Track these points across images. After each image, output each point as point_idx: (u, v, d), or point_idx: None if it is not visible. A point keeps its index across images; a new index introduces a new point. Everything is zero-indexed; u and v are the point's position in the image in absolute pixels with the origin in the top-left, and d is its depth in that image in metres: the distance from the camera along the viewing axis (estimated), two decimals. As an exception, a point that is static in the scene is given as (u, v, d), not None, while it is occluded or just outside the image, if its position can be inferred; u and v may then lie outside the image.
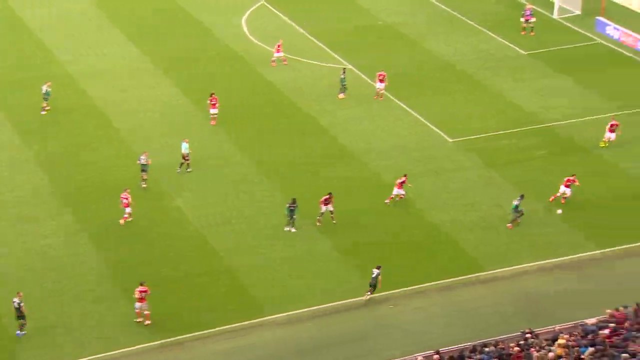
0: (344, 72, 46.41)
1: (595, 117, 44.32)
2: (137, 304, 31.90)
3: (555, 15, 54.91)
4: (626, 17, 54.51)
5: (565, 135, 42.74)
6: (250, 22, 55.27)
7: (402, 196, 37.81)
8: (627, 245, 35.48)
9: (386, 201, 37.81)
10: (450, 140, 42.64)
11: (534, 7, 54.54)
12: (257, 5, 57.53)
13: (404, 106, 45.71)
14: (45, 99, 43.92)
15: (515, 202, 36.60)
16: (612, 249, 35.32)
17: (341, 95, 46.14)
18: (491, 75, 48.63)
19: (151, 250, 35.78)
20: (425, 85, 47.68)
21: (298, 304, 33.05)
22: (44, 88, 43.83)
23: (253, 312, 32.71)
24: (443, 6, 56.68)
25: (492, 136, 42.91)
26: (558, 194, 37.63)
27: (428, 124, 44.04)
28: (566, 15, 54.80)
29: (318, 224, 36.57)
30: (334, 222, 36.58)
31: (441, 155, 41.43)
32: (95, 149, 41.98)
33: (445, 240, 36.02)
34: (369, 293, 32.92)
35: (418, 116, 44.75)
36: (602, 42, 51.99)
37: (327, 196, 36.50)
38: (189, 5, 57.60)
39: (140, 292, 31.83)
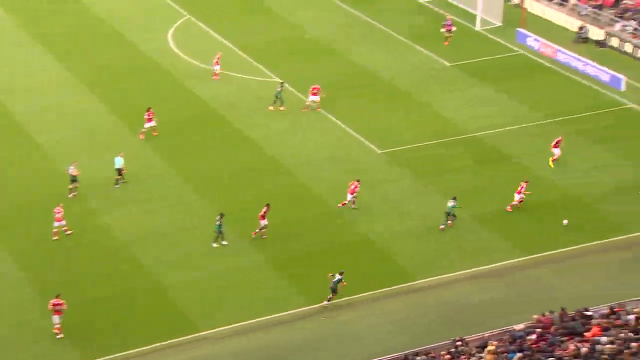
0: (282, 86, 46.23)
1: (519, 126, 45.16)
2: (55, 318, 30.98)
3: (477, 27, 55.88)
4: (545, 28, 55.83)
5: (491, 144, 43.42)
6: (176, 36, 54.79)
7: (353, 202, 38.05)
8: (551, 252, 36.13)
9: (339, 205, 38.10)
10: (380, 151, 42.90)
11: (454, 17, 55.47)
12: (183, 20, 57.09)
13: (333, 118, 45.83)
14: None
15: (449, 204, 37.00)
16: (537, 255, 35.93)
17: (271, 108, 46.06)
18: (418, 86, 49.16)
19: (79, 269, 35.01)
20: (353, 98, 47.91)
21: (231, 319, 32.72)
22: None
23: (186, 329, 32.24)
24: (370, 19, 57.16)
25: (421, 147, 43.33)
26: (514, 202, 38.17)
27: (357, 135, 44.24)
28: (488, 27, 55.82)
29: (264, 237, 36.31)
30: (264, 237, 36.44)
31: (371, 166, 41.64)
32: (17, 165, 41.00)
33: (376, 251, 36.15)
34: (330, 298, 32.92)
35: (347, 128, 44.91)
36: (523, 52, 53.08)
37: (265, 208, 36.29)
38: (113, 19, 56.85)
39: (54, 304, 30.97)
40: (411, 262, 35.58)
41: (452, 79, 49.94)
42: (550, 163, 41.31)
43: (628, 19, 53.57)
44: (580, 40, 54.17)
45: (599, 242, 36.65)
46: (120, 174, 39.45)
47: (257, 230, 36.50)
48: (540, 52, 52.90)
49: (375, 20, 56.91)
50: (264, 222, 36.31)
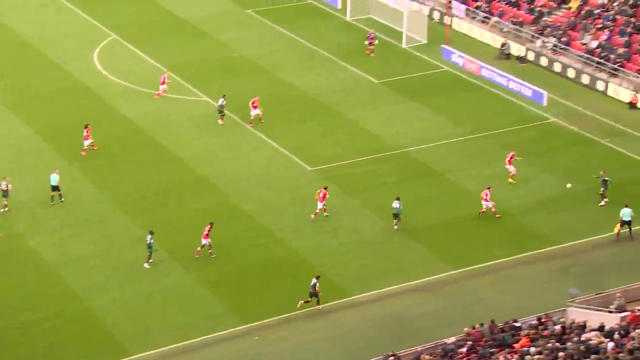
0: (224, 98, 46.29)
1: (445, 141, 45.77)
2: None
3: (403, 45, 56.59)
4: (469, 45, 56.87)
5: (419, 160, 43.88)
6: (102, 57, 53.99)
7: (325, 210, 38.54)
8: (480, 265, 36.61)
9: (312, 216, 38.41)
10: (310, 168, 42.93)
11: (382, 35, 56.14)
12: (108, 40, 56.31)
13: (263, 136, 45.70)
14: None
15: (395, 205, 37.64)
16: (467, 268, 36.35)
17: (219, 122, 46.14)
18: (346, 103, 49.43)
19: (5, 294, 33.98)
20: (283, 116, 47.89)
21: (163, 341, 32.17)
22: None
23: (116, 352, 31.57)
24: (297, 37, 57.33)
25: (350, 163, 43.51)
26: (484, 210, 38.78)
27: (287, 153, 44.20)
28: (414, 45, 56.57)
29: (212, 256, 36.01)
30: (212, 256, 36.07)
31: (302, 183, 41.61)
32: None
33: (309, 268, 36.08)
34: (307, 302, 33.22)
35: (277, 146, 44.83)
36: (448, 69, 53.93)
37: (208, 227, 36.00)
38: (36, 40, 55.75)
39: None
40: (344, 278, 35.59)
41: (380, 96, 50.39)
42: (510, 179, 41.61)
43: (548, 35, 54.97)
44: (503, 56, 55.32)
45: (526, 254, 37.29)
46: (56, 190, 38.99)
47: (199, 249, 36.10)
48: (464, 68, 53.81)
49: (303, 38, 57.11)
50: (205, 241, 35.94)
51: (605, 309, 31.05)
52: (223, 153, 44.13)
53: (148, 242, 35.46)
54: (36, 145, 44.07)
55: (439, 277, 35.81)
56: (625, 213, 37.68)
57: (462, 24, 58.90)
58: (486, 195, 38.97)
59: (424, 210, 39.78)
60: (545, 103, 49.70)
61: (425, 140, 45.73)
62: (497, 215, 39.01)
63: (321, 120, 47.57)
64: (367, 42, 54.77)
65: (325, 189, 38.95)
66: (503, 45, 55.62)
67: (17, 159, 42.91)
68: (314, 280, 33.42)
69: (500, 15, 57.77)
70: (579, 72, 52.47)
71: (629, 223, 37.69)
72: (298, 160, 43.59)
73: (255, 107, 46.05)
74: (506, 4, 58.23)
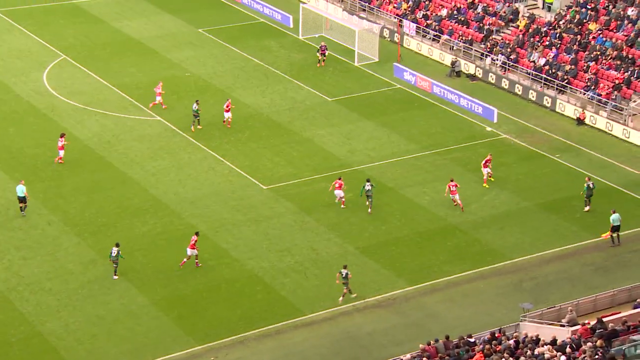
0: (197, 103, 47.25)
1: (399, 158, 46.12)
2: None
3: (356, 63, 57.00)
4: (420, 63, 57.51)
5: (372, 177, 44.09)
6: (51, 77, 53.38)
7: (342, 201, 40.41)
8: (434, 281, 36.87)
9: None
10: (265, 187, 42.89)
11: (334, 54, 56.63)
12: (58, 60, 55.72)
13: (217, 155, 45.56)
14: None
15: (367, 187, 39.80)
16: (421, 284, 36.57)
17: (198, 127, 46.83)
18: (300, 121, 49.57)
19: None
20: (237, 134, 47.80)
21: (116, 365, 31.74)
22: None
23: (68, 378, 31.05)
24: (249, 56, 57.38)
25: (305, 181, 43.59)
26: (459, 203, 40.82)
27: (241, 172, 44.11)
28: (366, 63, 57.02)
29: (198, 265, 36.46)
30: (199, 265, 36.44)
31: (257, 202, 41.53)
32: None
33: (264, 287, 35.95)
34: (347, 291, 34.69)
35: (231, 165, 44.72)
36: (401, 86, 54.44)
37: (195, 237, 36.17)
38: (-15, 60, 54.97)
39: None
40: (299, 296, 35.53)
41: (333, 114, 50.63)
42: (485, 184, 42.69)
43: (497, 53, 55.84)
44: (454, 74, 56.03)
45: (479, 269, 37.66)
46: (23, 202, 39.09)
47: (185, 260, 36.16)
48: (416, 85, 54.37)
49: (255, 57, 57.20)
50: (192, 252, 36.12)
51: (557, 323, 31.44)
52: (176, 173, 43.87)
53: (114, 254, 35.40)
54: (-16, 167, 43.29)
55: (394, 293, 35.96)
56: (615, 219, 38.30)
57: (413, 42, 59.56)
58: (454, 187, 40.63)
59: (378, 227, 39.96)
60: (495, 119, 50.42)
61: (380, 157, 46.03)
62: (461, 207, 40.84)
63: (275, 138, 47.60)
64: (319, 54, 55.38)
65: (339, 179, 40.74)
66: (453, 63, 56.35)
67: (-35, 182, 42.13)
68: (344, 270, 34.61)
69: (450, 34, 58.56)
70: (527, 89, 53.37)
71: (618, 228, 38.29)
72: (252, 179, 43.52)
73: (228, 111, 47.39)
74: (456, 22, 59.08)
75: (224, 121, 47.74)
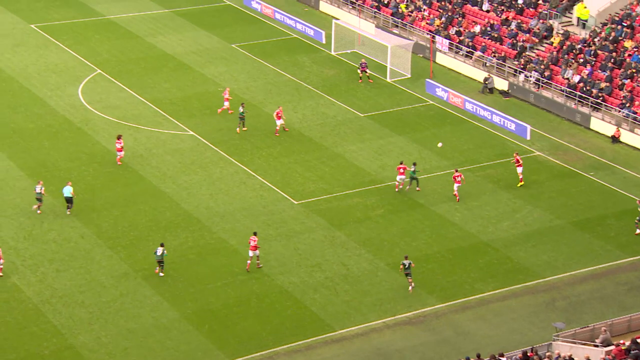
0: (243, 106, 48.84)
1: (431, 174, 46.02)
2: None
3: (388, 79, 57.08)
4: (452, 79, 57.44)
5: (405, 193, 44.03)
6: (86, 92, 54.09)
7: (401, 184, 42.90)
8: (466, 298, 36.64)
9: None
10: (296, 202, 43.00)
11: (366, 62, 56.73)
12: (93, 75, 56.47)
13: (248, 170, 45.80)
14: None
15: (412, 169, 42.31)
16: (453, 302, 36.37)
17: (244, 129, 48.45)
18: (332, 137, 49.67)
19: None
20: (268, 149, 48.03)
21: (146, 378, 31.91)
22: None
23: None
24: (282, 72, 57.71)
25: (335, 197, 43.63)
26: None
27: (273, 187, 44.28)
28: (398, 79, 57.09)
29: (259, 266, 37.42)
30: (260, 266, 37.41)
31: (288, 217, 41.63)
32: None
33: (294, 303, 35.99)
34: (411, 284, 36.19)
35: (262, 180, 44.92)
36: (433, 102, 54.39)
37: (255, 240, 36.98)
38: (20, 75, 55.80)
39: None
40: (329, 312, 35.50)
41: (365, 129, 50.69)
42: (520, 183, 44.14)
43: (530, 70, 55.61)
44: (487, 90, 55.87)
45: (511, 287, 37.38)
46: (70, 202, 40.53)
47: (248, 262, 37.04)
48: (448, 102, 54.28)
49: (287, 73, 57.52)
50: (253, 253, 36.98)
51: (590, 343, 31.10)
52: (207, 187, 44.15)
53: (159, 253, 36.32)
54: (19, 182, 43.89)
55: (425, 310, 35.79)
56: None
57: (446, 59, 59.51)
58: (459, 178, 42.41)
59: (409, 243, 39.86)
60: (529, 137, 50.13)
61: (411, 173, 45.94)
62: (456, 197, 42.87)
63: (307, 154, 47.74)
64: (359, 71, 55.48)
65: (401, 163, 43.27)
66: (486, 79, 56.20)
67: (0, 195, 42.63)
68: (406, 261, 35.92)
69: (483, 50, 58.44)
70: (561, 106, 53.02)
71: None
72: (284, 194, 43.66)
73: (279, 118, 48.42)
74: (489, 38, 58.95)
75: (276, 130, 48.64)
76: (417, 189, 43.00)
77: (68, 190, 40.75)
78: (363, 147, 48.62)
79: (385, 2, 65.58)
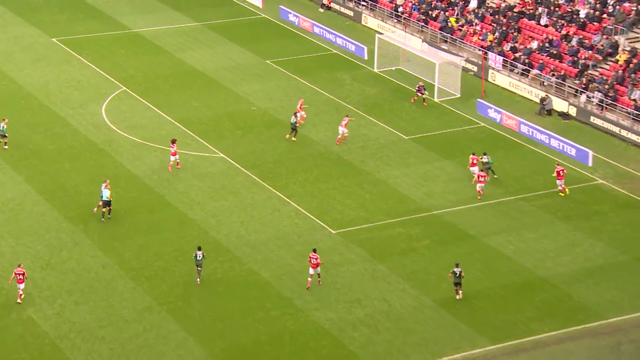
0: (295, 115, 50.33)
1: (482, 202, 45.81)
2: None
3: (435, 98, 57.12)
4: (506, 99, 57.28)
5: (452, 223, 43.87)
6: (110, 110, 54.87)
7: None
8: (519, 340, 36.29)
9: None
10: (334, 231, 43.07)
11: (406, 84, 56.98)
12: (117, 92, 57.30)
13: (282, 196, 46.02)
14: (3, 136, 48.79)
15: (484, 160, 44.69)
16: (505, 344, 36.03)
17: (293, 139, 50.17)
18: (373, 161, 49.74)
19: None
20: (305, 174, 48.25)
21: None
22: (1, 125, 48.81)
23: None
24: (320, 90, 58.05)
25: (377, 226, 43.61)
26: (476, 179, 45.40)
27: (309, 214, 44.41)
28: (446, 98, 57.09)
29: (320, 284, 38.55)
30: (320, 284, 38.57)
31: (325, 247, 41.69)
32: None
33: (331, 341, 35.93)
34: (460, 294, 37.65)
35: (297, 206, 45.09)
36: (484, 124, 54.25)
37: (317, 257, 38.07)
38: (40, 92, 56.78)
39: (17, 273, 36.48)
40: (369, 352, 35.38)
41: (410, 153, 50.69)
42: (561, 193, 45.76)
43: (593, 90, 55.26)
44: (544, 112, 55.63)
45: (570, 329, 36.95)
46: (107, 206, 42.61)
47: (309, 280, 38.29)
48: (502, 124, 54.10)
49: (326, 91, 57.84)
50: (313, 271, 38.22)
51: (659, 391, 30.58)
52: (238, 214, 44.41)
53: (199, 258, 38.22)
54: (37, 206, 44.55)
55: (474, 352, 35.52)
56: None
57: (499, 77, 59.44)
58: (475, 161, 46.33)
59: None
60: (590, 163, 49.73)
61: (460, 201, 45.80)
62: (495, 176, 46.47)
63: (346, 179, 47.85)
64: (417, 93, 55.70)
65: (473, 154, 46.63)
66: (543, 100, 55.97)
67: (15, 221, 43.28)
68: (457, 269, 37.40)
69: (541, 68, 58.26)
70: (627, 130, 52.56)
71: None
72: (321, 222, 43.75)
73: (344, 126, 50.56)
74: (547, 55, 58.79)
75: (338, 139, 50.18)
76: (495, 176, 45.61)
77: (106, 194, 42.60)
78: (407, 172, 48.60)
79: (434, 15, 65.82)
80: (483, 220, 44.23)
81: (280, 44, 65.26)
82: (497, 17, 63.25)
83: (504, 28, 61.98)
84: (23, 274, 37.05)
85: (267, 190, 46.57)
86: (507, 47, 60.53)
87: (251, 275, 39.62)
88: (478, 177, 44.98)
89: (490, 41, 61.44)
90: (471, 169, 46.53)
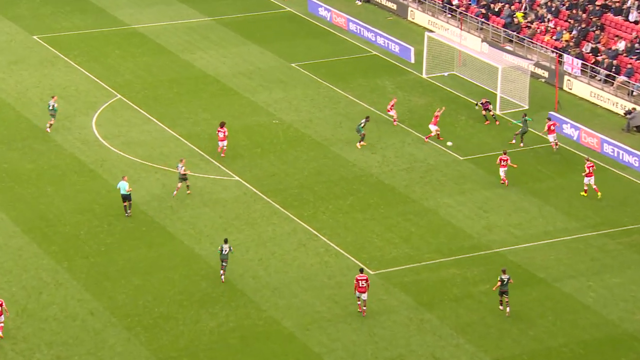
0: (367, 120, 52.96)
1: (555, 239, 45.66)
2: None
3: (498, 110, 57.11)
4: (585, 112, 57.12)
5: (517, 263, 43.78)
6: (101, 123, 55.37)
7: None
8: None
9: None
10: (372, 272, 43.14)
11: (463, 94, 57.09)
12: (111, 101, 57.87)
13: (309, 228, 46.17)
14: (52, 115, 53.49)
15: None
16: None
17: (362, 143, 52.83)
18: (421, 187, 49.80)
19: None
20: (336, 202, 48.41)
21: None
22: (51, 103, 53.39)
23: None
24: (356, 100, 58.27)
25: (425, 266, 43.61)
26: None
27: (341, 251, 44.52)
28: (511, 110, 57.08)
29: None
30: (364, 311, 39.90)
31: (360, 292, 41.81)
32: None
33: (368, 407, 36.01)
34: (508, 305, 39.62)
35: (328, 241, 45.23)
36: (559, 143, 54.10)
37: (366, 278, 39.72)
38: (17, 101, 57.45)
39: None
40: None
41: (466, 177, 50.70)
42: (584, 193, 48.77)
43: (692, 100, 55.10)
44: (632, 128, 55.43)
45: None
46: (128, 200, 46.03)
47: (358, 304, 40.04)
48: (580, 142, 53.98)
49: (364, 101, 58.06)
50: (363, 295, 39.87)
51: None
52: (256, 250, 44.61)
53: (225, 252, 41.31)
54: (13, 239, 44.97)
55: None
56: None
57: (577, 85, 59.34)
58: (504, 162, 49.43)
59: (524, 332, 39.51)
60: (691, 190, 49.53)
61: (527, 237, 45.71)
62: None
63: (387, 208, 47.94)
64: (483, 111, 55.78)
65: (504, 153, 49.42)
66: (629, 112, 55.83)
67: (-11, 254, 43.87)
68: (505, 276, 39.51)
69: (629, 74, 58.13)
70: None
71: None
72: (356, 261, 43.85)
73: (434, 124, 53.26)
74: (637, 59, 58.66)
75: (429, 136, 53.25)
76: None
77: (124, 187, 45.56)
78: (463, 201, 48.63)
79: (496, 9, 66.00)
80: (556, 260, 44.09)
81: (308, 44, 65.66)
82: (574, 11, 63.27)
83: (583, 25, 61.97)
84: (1, 305, 38.04)
85: (291, 221, 46.74)
86: (587, 48, 60.50)
87: (271, 325, 39.73)
88: (500, 161, 49.25)
89: (566, 41, 61.43)
90: (550, 137, 52.36)
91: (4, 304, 38.13)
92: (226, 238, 42.28)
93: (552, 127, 52.43)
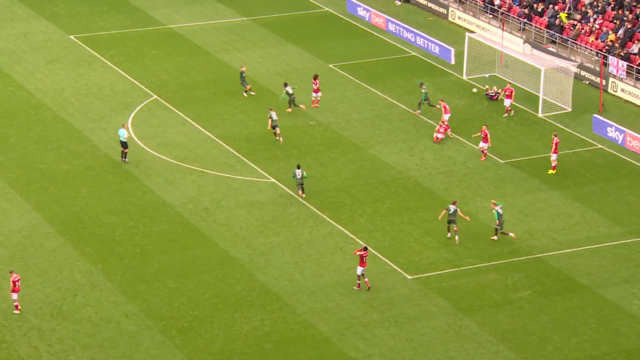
0: (424, 88, 55.87)
1: (599, 245, 45.37)
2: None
3: (539, 113, 56.85)
4: (632, 115, 56.66)
5: (558, 269, 43.53)
6: (137, 124, 55.67)
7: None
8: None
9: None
10: (410, 277, 43.05)
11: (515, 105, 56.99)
12: (147, 101, 58.16)
13: (346, 231, 46.16)
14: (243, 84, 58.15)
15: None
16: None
17: (417, 112, 55.73)
18: (459, 190, 49.64)
19: None
20: (373, 204, 48.36)
21: None
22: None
23: None
24: (395, 101, 58.16)
25: (464, 271, 43.47)
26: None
27: (379, 255, 44.47)
28: (554, 113, 56.78)
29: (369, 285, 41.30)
30: (369, 287, 41.21)
31: (399, 297, 41.67)
32: None
33: (405, 414, 35.95)
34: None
35: (366, 246, 45.13)
36: (602, 147, 53.79)
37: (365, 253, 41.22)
38: (53, 101, 57.75)
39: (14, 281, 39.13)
40: None
41: (506, 181, 50.47)
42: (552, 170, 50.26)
43: None
44: (679, 131, 54.97)
45: None
46: (125, 147, 49.53)
47: (359, 283, 41.35)
48: (625, 146, 53.59)
49: (403, 103, 57.94)
50: (362, 270, 41.34)
51: None
52: (292, 253, 44.65)
53: (299, 176, 46.79)
54: (48, 241, 45.29)
55: None
56: None
57: (624, 87, 58.91)
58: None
59: (567, 340, 39.27)
60: None
61: (570, 242, 45.46)
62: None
63: (426, 211, 47.83)
64: (505, 100, 56.28)
65: (556, 145, 50.35)
66: (678, 115, 55.35)
67: (21, 259, 44.02)
68: (452, 206, 42.78)
69: (675, 75, 57.64)
70: None
71: None
72: (394, 265, 43.78)
73: (509, 97, 55.70)
74: (682, 60, 58.19)
75: (508, 110, 56.00)
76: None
77: (123, 134, 48.98)
78: (503, 205, 48.39)
79: (539, 9, 65.68)
80: (599, 266, 43.80)
81: (346, 45, 65.66)
82: (620, 11, 62.82)
83: (629, 25, 61.49)
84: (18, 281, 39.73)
85: (327, 225, 46.74)
86: (634, 48, 60.03)
87: (307, 330, 39.75)
88: (505, 91, 53.57)
89: (612, 42, 61.00)
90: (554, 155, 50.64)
91: (19, 279, 39.60)
92: (299, 164, 47.95)
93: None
